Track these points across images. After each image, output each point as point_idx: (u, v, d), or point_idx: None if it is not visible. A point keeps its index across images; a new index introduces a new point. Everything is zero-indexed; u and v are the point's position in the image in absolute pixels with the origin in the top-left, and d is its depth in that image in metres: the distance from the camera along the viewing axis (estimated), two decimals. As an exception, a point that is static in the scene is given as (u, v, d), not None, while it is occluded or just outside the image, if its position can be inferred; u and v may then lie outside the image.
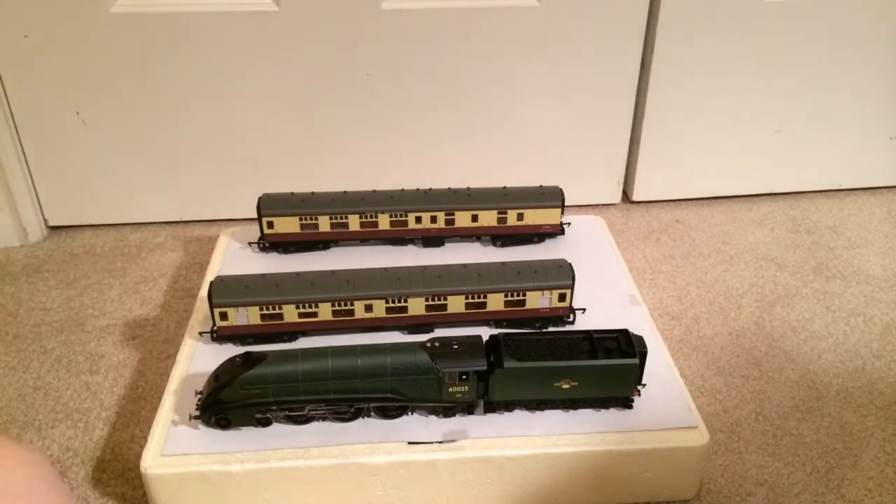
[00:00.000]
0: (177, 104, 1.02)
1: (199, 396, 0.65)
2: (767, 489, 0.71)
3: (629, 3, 1.01)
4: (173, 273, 1.01)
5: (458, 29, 1.00)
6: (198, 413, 0.65)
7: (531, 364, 0.64)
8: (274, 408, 0.64)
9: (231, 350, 0.74)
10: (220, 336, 0.74)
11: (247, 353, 0.65)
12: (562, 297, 0.76)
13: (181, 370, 0.72)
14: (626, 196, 1.19)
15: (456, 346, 0.65)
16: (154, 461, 0.63)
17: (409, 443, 0.64)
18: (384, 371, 0.64)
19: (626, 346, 0.65)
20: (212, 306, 0.72)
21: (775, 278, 1.01)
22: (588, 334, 0.66)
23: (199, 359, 0.73)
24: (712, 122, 1.12)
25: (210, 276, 0.82)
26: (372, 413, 0.66)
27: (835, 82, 1.11)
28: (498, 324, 0.77)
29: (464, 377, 0.64)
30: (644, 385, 0.67)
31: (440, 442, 0.64)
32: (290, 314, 0.73)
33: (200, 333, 0.76)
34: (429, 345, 0.65)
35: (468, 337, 0.66)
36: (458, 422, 0.66)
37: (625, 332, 0.67)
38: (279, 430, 0.66)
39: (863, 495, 0.70)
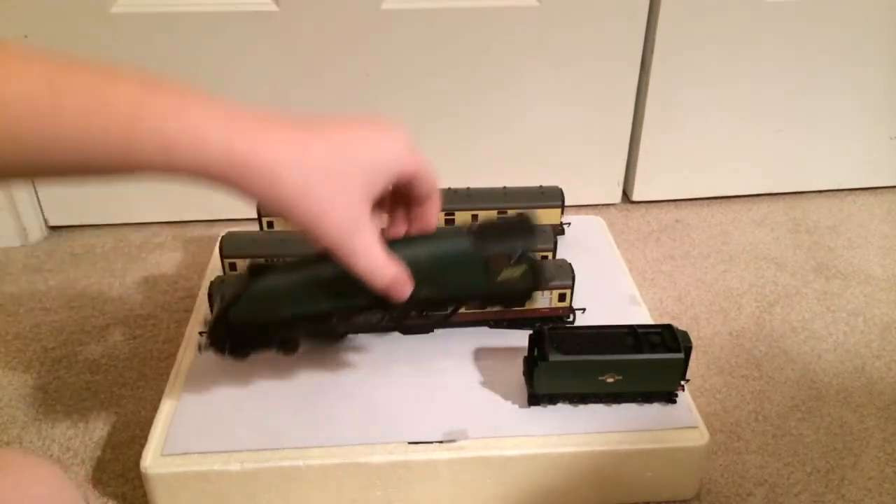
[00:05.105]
0: (177, 104, 1.01)
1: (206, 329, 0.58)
2: (767, 489, 0.71)
3: (629, 4, 1.01)
4: (173, 273, 1.01)
5: (458, 29, 1.00)
6: (209, 344, 0.56)
7: (576, 358, 0.64)
8: (295, 325, 0.55)
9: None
10: (220, 336, 0.74)
11: (254, 264, 0.55)
12: (562, 297, 0.76)
13: (181, 370, 0.72)
14: (626, 196, 1.19)
15: (502, 225, 0.56)
16: (154, 461, 0.63)
17: (409, 443, 0.64)
18: (420, 265, 0.53)
19: (671, 341, 0.66)
20: (212, 306, 0.72)
21: (775, 278, 1.01)
22: (632, 329, 0.67)
23: (199, 358, 0.73)
24: (712, 122, 1.12)
25: (210, 276, 0.82)
26: (413, 317, 0.58)
27: (835, 82, 1.11)
28: (497, 324, 0.77)
29: (514, 259, 0.55)
30: (688, 380, 0.67)
31: (440, 442, 0.64)
32: (290, 314, 0.73)
33: (200, 333, 0.76)
34: (471, 228, 0.56)
35: (516, 214, 0.58)
36: (457, 421, 0.66)
37: (669, 326, 0.67)
38: (279, 431, 0.65)
39: (863, 495, 0.70)
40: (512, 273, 0.54)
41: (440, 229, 0.54)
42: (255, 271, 0.53)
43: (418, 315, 0.57)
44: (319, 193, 0.44)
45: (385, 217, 0.55)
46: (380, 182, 0.48)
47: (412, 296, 0.51)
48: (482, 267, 0.53)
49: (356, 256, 0.48)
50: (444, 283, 0.53)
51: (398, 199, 0.54)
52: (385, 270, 0.49)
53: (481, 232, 0.53)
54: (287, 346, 0.56)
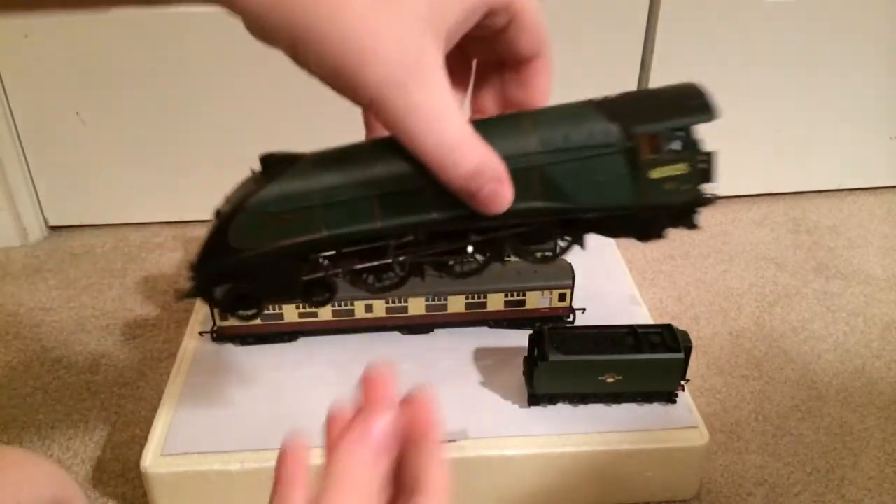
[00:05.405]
0: (177, 104, 1.02)
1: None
2: (767, 489, 0.71)
3: (629, 3, 1.01)
4: (173, 273, 1.01)
5: (458, 29, 1.00)
6: (193, 288, 0.35)
7: (576, 357, 0.64)
8: (332, 253, 0.35)
9: (232, 350, 0.74)
10: (220, 336, 0.74)
11: (271, 154, 0.34)
12: (562, 297, 0.76)
13: (181, 370, 0.72)
14: (626, 196, 1.19)
15: (653, 95, 0.35)
16: (154, 461, 0.63)
17: (409, 443, 0.64)
18: (527, 159, 0.33)
19: (671, 341, 0.66)
20: (211, 306, 0.72)
21: (775, 278, 1.01)
22: (632, 329, 0.67)
23: (199, 359, 0.73)
24: (712, 122, 1.11)
25: (210, 276, 0.82)
26: (509, 252, 0.36)
27: (835, 82, 1.11)
28: (497, 324, 0.77)
29: (676, 145, 0.34)
30: (688, 380, 0.67)
31: (440, 442, 0.64)
32: (291, 314, 0.73)
33: (200, 333, 0.76)
34: (605, 101, 0.35)
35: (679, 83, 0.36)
36: (457, 421, 0.66)
37: (669, 326, 0.67)
38: (280, 430, 0.65)
39: (863, 495, 0.70)
40: (671, 170, 0.33)
41: (557, 105, 0.35)
42: (272, 164, 0.33)
43: (523, 245, 0.35)
44: (361, 7, 0.27)
45: (467, 97, 0.37)
46: (453, 11, 0.30)
47: (515, 208, 0.32)
48: (625, 160, 0.33)
49: (417, 122, 0.29)
50: (565, 188, 0.33)
51: (486, 66, 0.36)
52: (466, 151, 0.30)
53: (622, 106, 0.33)
54: (318, 292, 0.36)
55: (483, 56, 0.36)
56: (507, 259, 0.36)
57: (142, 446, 0.64)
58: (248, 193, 0.33)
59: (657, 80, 1.06)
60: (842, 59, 1.09)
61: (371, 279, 0.36)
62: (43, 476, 0.42)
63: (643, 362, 0.65)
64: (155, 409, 0.68)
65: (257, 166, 0.34)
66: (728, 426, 0.77)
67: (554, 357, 0.64)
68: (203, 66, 0.99)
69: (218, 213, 0.34)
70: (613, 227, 0.36)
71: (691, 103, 0.34)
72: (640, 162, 0.33)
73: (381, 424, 0.30)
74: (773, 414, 0.79)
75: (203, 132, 1.04)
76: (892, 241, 1.10)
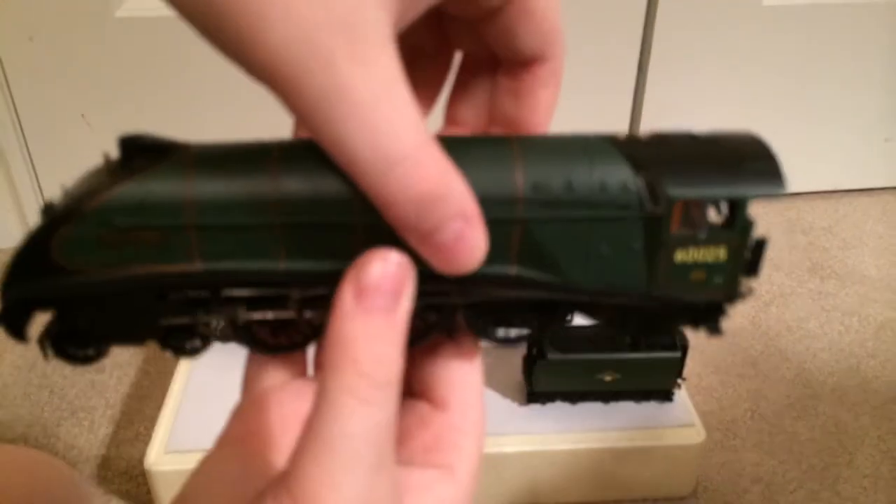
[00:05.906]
0: (181, 107, 1.02)
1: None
2: (763, 486, 0.71)
3: (627, 5, 1.02)
4: (176, 273, 1.02)
5: (458, 32, 1.01)
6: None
7: (575, 356, 0.65)
8: (206, 294, 0.24)
9: (236, 347, 0.75)
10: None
11: (133, 139, 0.22)
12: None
13: (185, 368, 0.73)
14: (624, 197, 1.20)
15: (698, 146, 0.25)
16: (158, 458, 0.63)
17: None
18: (510, 207, 0.23)
19: (668, 340, 0.67)
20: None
21: (771, 278, 1.02)
22: None
23: (203, 356, 0.74)
24: (709, 123, 1.12)
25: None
26: (463, 322, 0.25)
27: (832, 84, 1.12)
28: (497, 323, 0.77)
29: (718, 221, 0.24)
30: (685, 379, 0.68)
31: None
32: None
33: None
34: (622, 140, 0.25)
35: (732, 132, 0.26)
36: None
37: None
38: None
39: (858, 493, 0.71)
40: (704, 255, 0.24)
41: (560, 135, 0.26)
42: (135, 153, 0.22)
43: (483, 319, 0.26)
44: None
45: (440, 101, 0.28)
46: None
47: (480, 271, 0.22)
48: (645, 231, 0.24)
49: (345, 115, 0.19)
50: (554, 257, 0.24)
51: (475, 61, 0.27)
52: (420, 163, 0.19)
53: (653, 152, 0.24)
54: (184, 339, 0.27)
55: (470, 47, 0.26)
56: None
57: (146, 444, 0.65)
58: (92, 191, 0.22)
59: (654, 82, 1.07)
60: (837, 62, 1.10)
61: (263, 334, 0.26)
62: (55, 476, 0.43)
63: (640, 361, 0.66)
64: (159, 406, 0.69)
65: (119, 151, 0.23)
66: (724, 424, 0.78)
67: (552, 355, 0.65)
68: (207, 69, 1.00)
69: (46, 210, 0.22)
70: (609, 316, 0.27)
71: (752, 166, 0.24)
72: (666, 237, 0.23)
73: (384, 267, 0.20)
74: (768, 412, 0.80)
75: (207, 135, 1.04)
76: (887, 241, 1.11)
